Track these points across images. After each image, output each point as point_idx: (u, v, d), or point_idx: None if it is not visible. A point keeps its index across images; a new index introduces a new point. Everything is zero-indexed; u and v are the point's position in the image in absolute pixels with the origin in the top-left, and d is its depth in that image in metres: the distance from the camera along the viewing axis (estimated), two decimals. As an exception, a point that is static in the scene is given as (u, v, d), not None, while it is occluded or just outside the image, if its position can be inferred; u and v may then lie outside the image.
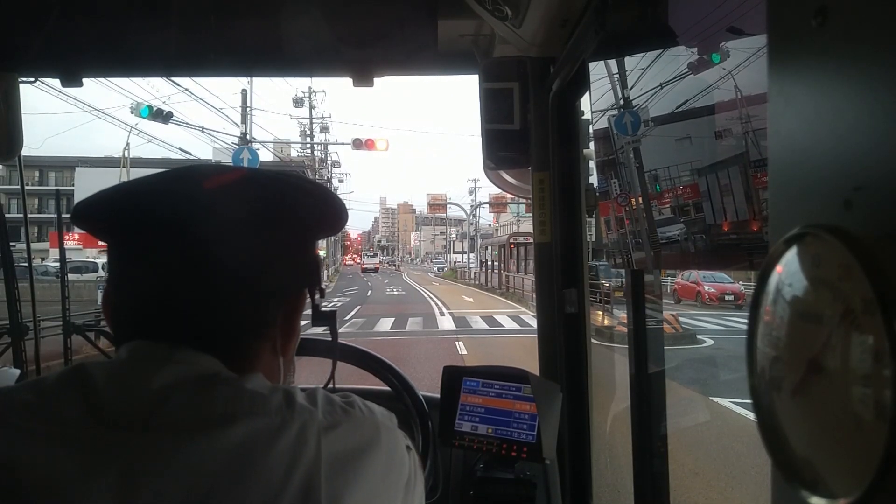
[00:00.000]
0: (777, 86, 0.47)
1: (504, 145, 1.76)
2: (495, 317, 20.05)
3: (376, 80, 1.87)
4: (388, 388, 1.58)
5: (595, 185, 1.51)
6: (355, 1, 1.60)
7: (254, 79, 23.72)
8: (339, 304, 26.07)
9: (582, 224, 1.68)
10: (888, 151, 0.36)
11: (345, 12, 1.66)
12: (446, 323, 19.11)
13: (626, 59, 1.18)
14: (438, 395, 1.60)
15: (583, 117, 1.68)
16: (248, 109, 25.42)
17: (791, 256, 0.42)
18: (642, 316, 1.44)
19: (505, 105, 1.72)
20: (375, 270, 70.90)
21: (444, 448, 1.55)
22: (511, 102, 1.71)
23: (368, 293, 34.42)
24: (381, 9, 1.65)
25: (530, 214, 1.78)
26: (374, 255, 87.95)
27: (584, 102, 1.62)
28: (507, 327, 17.70)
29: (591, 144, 1.62)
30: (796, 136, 0.45)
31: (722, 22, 0.81)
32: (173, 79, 15.98)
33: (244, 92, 25.43)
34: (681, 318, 11.97)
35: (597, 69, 1.30)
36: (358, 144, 25.83)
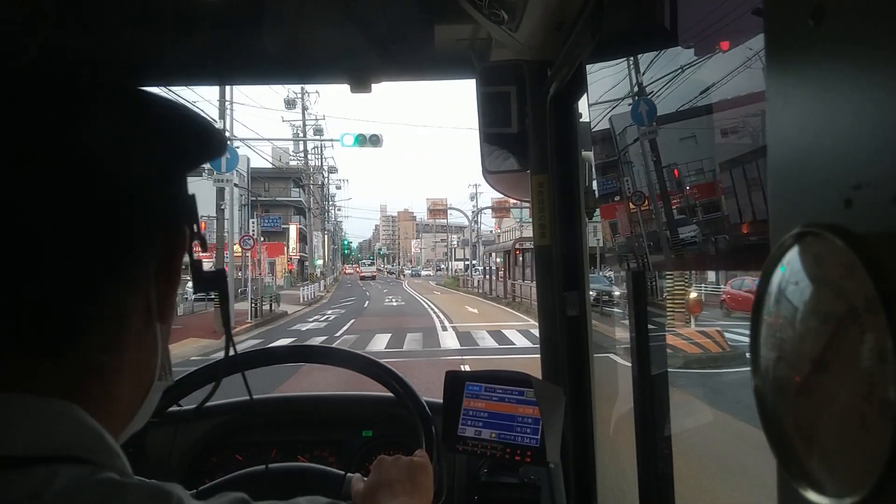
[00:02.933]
0: (775, 86, 0.47)
1: (502, 149, 1.77)
2: (503, 331, 18.53)
3: (374, 87, 1.87)
4: (391, 395, 1.58)
5: (595, 187, 1.50)
6: (351, 7, 1.60)
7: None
8: (333, 316, 25.37)
9: (582, 227, 1.68)
10: (887, 149, 0.36)
11: (341, 19, 1.66)
12: (449, 340, 17.51)
13: (624, 60, 1.18)
14: (441, 401, 1.60)
15: (581, 120, 1.68)
16: (225, 104, 22.28)
17: (792, 256, 0.42)
18: (644, 319, 1.44)
19: (502, 109, 1.72)
20: (373, 278, 74.64)
21: (447, 453, 1.55)
22: (508, 106, 1.72)
23: (366, 304, 33.60)
24: (378, 15, 1.65)
25: (532, 218, 1.78)
26: (372, 264, 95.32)
27: (582, 105, 1.63)
28: (518, 345, 15.77)
29: (591, 147, 1.62)
30: (795, 135, 0.45)
31: (719, 23, 0.81)
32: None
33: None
34: (727, 335, 9.91)
35: (594, 71, 1.30)
36: (361, 141, 23.96)
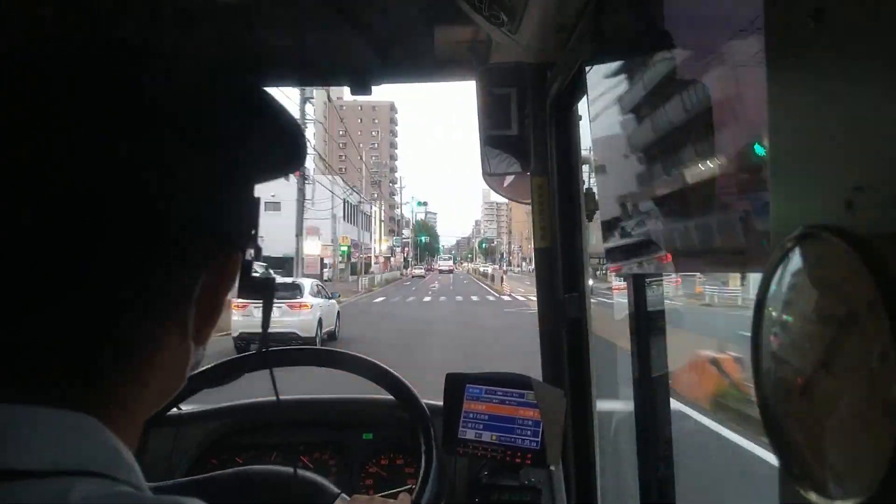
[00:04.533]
0: (776, 86, 0.47)
1: (503, 151, 1.77)
2: None
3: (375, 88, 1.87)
4: (391, 397, 1.58)
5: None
6: (351, 10, 1.60)
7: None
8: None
9: (582, 229, 1.68)
10: (888, 150, 0.36)
11: (341, 22, 1.66)
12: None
13: (625, 62, 1.18)
14: (442, 403, 1.60)
15: (580, 122, 1.68)
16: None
17: (794, 257, 0.42)
18: (644, 320, 1.44)
19: (503, 111, 1.72)
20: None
21: (448, 456, 1.55)
22: (509, 108, 1.72)
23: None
24: (378, 17, 1.66)
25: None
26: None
27: (582, 107, 1.62)
28: None
29: (591, 149, 1.62)
30: (795, 136, 0.45)
31: (719, 24, 0.81)
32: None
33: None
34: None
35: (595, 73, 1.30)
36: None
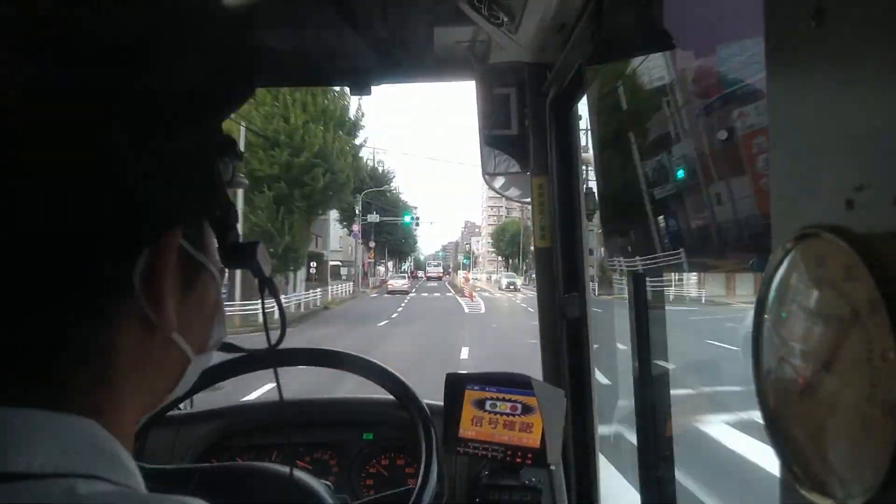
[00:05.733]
0: (776, 87, 0.47)
1: (502, 151, 1.77)
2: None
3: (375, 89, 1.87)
4: (392, 398, 1.57)
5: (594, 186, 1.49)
6: (352, 10, 1.61)
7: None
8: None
9: (582, 228, 1.68)
10: (888, 150, 0.36)
11: (341, 22, 1.67)
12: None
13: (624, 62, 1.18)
14: (442, 403, 1.60)
15: (580, 121, 1.68)
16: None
17: (795, 257, 0.42)
18: (644, 319, 1.44)
19: (502, 111, 1.72)
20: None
21: (448, 456, 1.55)
22: (508, 108, 1.72)
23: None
24: (378, 18, 1.66)
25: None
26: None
27: (582, 107, 1.62)
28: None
29: (590, 149, 1.62)
30: (796, 136, 0.45)
31: (719, 24, 0.81)
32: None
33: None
34: None
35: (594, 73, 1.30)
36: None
